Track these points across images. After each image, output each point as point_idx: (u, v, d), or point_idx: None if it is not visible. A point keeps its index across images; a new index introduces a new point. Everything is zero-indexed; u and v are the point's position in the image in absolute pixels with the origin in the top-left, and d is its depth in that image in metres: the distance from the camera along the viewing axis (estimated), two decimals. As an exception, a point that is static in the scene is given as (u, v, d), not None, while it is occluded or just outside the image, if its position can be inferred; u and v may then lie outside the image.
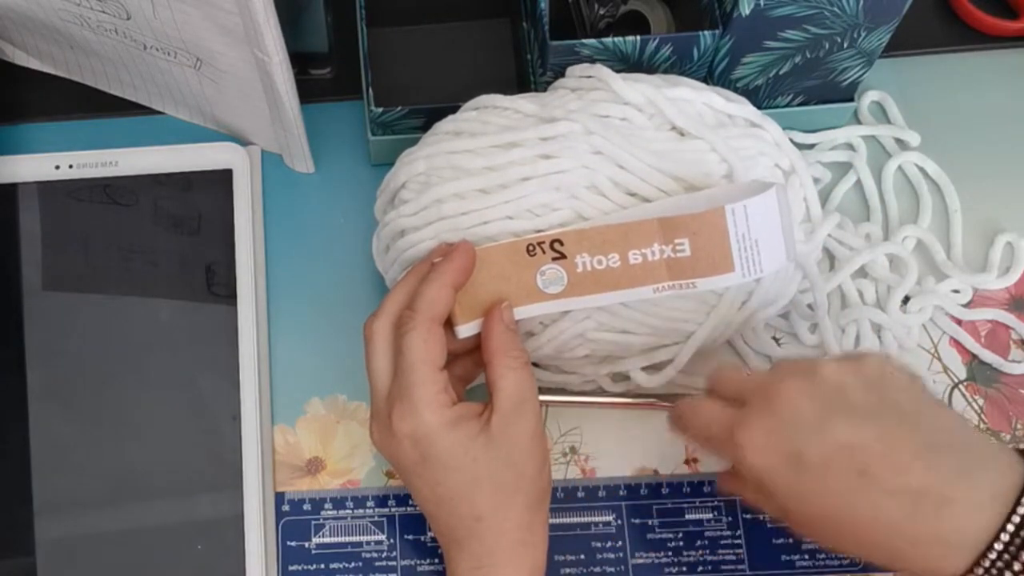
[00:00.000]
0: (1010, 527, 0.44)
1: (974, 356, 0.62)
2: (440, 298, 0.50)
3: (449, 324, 0.52)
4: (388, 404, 0.51)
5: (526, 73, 0.64)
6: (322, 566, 0.58)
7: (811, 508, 0.47)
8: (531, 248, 0.52)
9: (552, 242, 0.52)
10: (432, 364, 0.50)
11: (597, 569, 0.58)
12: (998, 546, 0.44)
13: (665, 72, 0.59)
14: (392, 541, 0.59)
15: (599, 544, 0.59)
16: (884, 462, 0.45)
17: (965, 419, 0.49)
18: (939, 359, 0.62)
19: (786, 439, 0.47)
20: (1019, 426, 0.61)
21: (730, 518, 0.59)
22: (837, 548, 0.49)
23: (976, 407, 0.61)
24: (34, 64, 0.67)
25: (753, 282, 0.55)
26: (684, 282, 0.51)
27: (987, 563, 0.44)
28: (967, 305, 0.63)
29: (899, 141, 0.66)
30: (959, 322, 0.63)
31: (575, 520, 0.59)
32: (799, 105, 0.65)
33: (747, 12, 0.56)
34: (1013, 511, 0.44)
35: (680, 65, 0.59)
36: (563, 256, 0.52)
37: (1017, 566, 0.44)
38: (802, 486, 0.47)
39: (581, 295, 0.52)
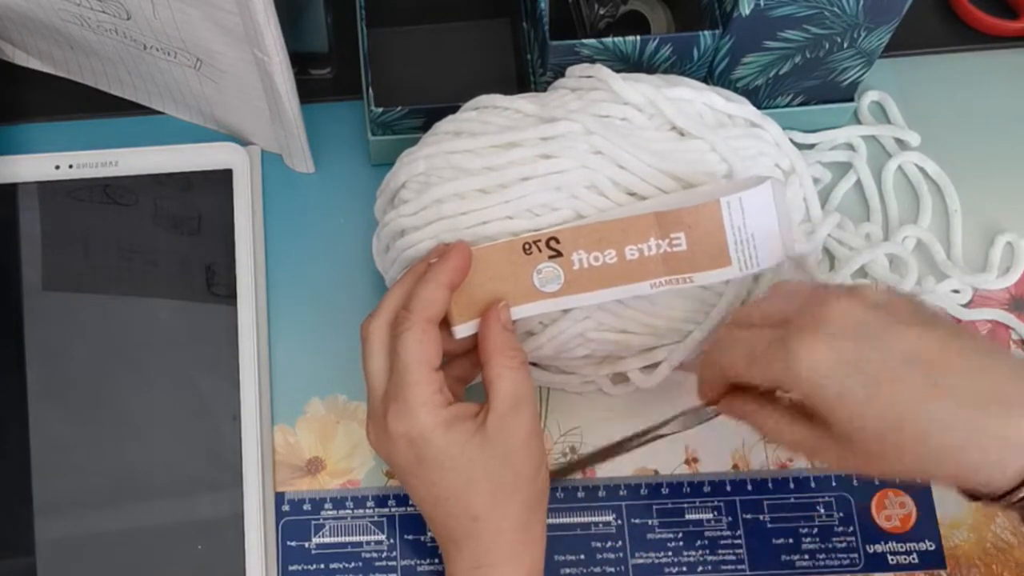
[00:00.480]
0: None
1: (974, 356, 0.62)
2: (435, 298, 0.50)
3: (447, 324, 0.52)
4: (384, 405, 0.51)
5: (526, 73, 0.64)
6: (322, 566, 0.58)
7: (872, 416, 0.46)
8: (527, 247, 0.52)
9: (548, 240, 0.52)
10: (427, 364, 0.50)
11: (597, 569, 0.58)
12: None
13: (665, 72, 0.59)
14: (392, 541, 0.59)
15: (599, 544, 0.59)
16: (950, 367, 0.45)
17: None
18: (939, 359, 0.62)
19: (849, 348, 0.45)
20: (1019, 426, 0.61)
21: (730, 518, 0.59)
22: (888, 466, 0.47)
23: (976, 407, 0.61)
24: (34, 64, 0.68)
25: (752, 281, 0.55)
26: (681, 277, 0.51)
27: None
28: (967, 305, 0.63)
29: (899, 141, 0.66)
30: (959, 322, 0.63)
31: (575, 520, 0.59)
32: (799, 105, 0.65)
33: (747, 12, 0.56)
34: None
35: (680, 65, 0.59)
36: (559, 254, 0.52)
37: None
38: (864, 393, 0.45)
39: (578, 293, 0.52)
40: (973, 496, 0.46)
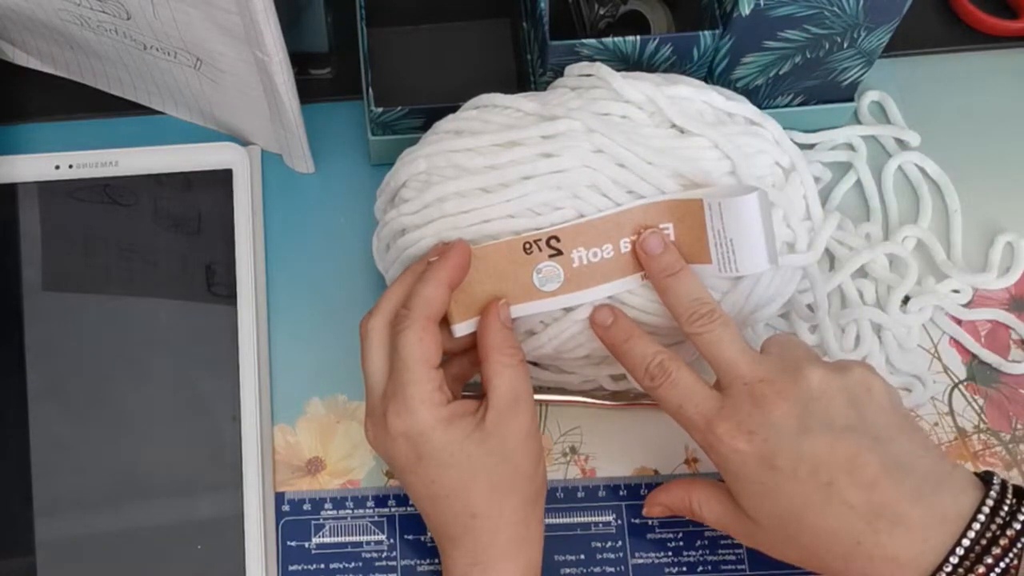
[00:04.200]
0: (959, 551, 0.45)
1: (974, 356, 0.62)
2: (435, 297, 0.50)
3: (446, 323, 0.52)
4: (383, 402, 0.51)
5: (526, 73, 0.64)
6: (322, 566, 0.58)
7: (774, 507, 0.49)
8: (527, 246, 0.52)
9: (549, 239, 0.52)
10: (427, 362, 0.50)
11: (597, 569, 0.58)
12: (947, 568, 0.45)
13: (665, 72, 0.59)
14: (392, 541, 0.59)
15: (599, 544, 0.59)
16: (850, 477, 0.47)
17: (932, 441, 0.51)
18: (939, 359, 0.62)
19: (762, 440, 0.48)
20: (1019, 426, 0.61)
21: (730, 518, 0.59)
22: (787, 554, 0.50)
23: (976, 407, 0.61)
24: (34, 64, 0.68)
25: (751, 282, 0.55)
26: None
27: None
28: (967, 305, 0.63)
29: (899, 141, 0.66)
30: (959, 322, 0.63)
31: (575, 520, 0.59)
32: (799, 105, 0.65)
33: (747, 12, 0.56)
34: (963, 535, 0.45)
35: (680, 65, 0.59)
36: (559, 252, 0.52)
37: None
38: (769, 485, 0.48)
39: (576, 290, 0.52)
40: None
